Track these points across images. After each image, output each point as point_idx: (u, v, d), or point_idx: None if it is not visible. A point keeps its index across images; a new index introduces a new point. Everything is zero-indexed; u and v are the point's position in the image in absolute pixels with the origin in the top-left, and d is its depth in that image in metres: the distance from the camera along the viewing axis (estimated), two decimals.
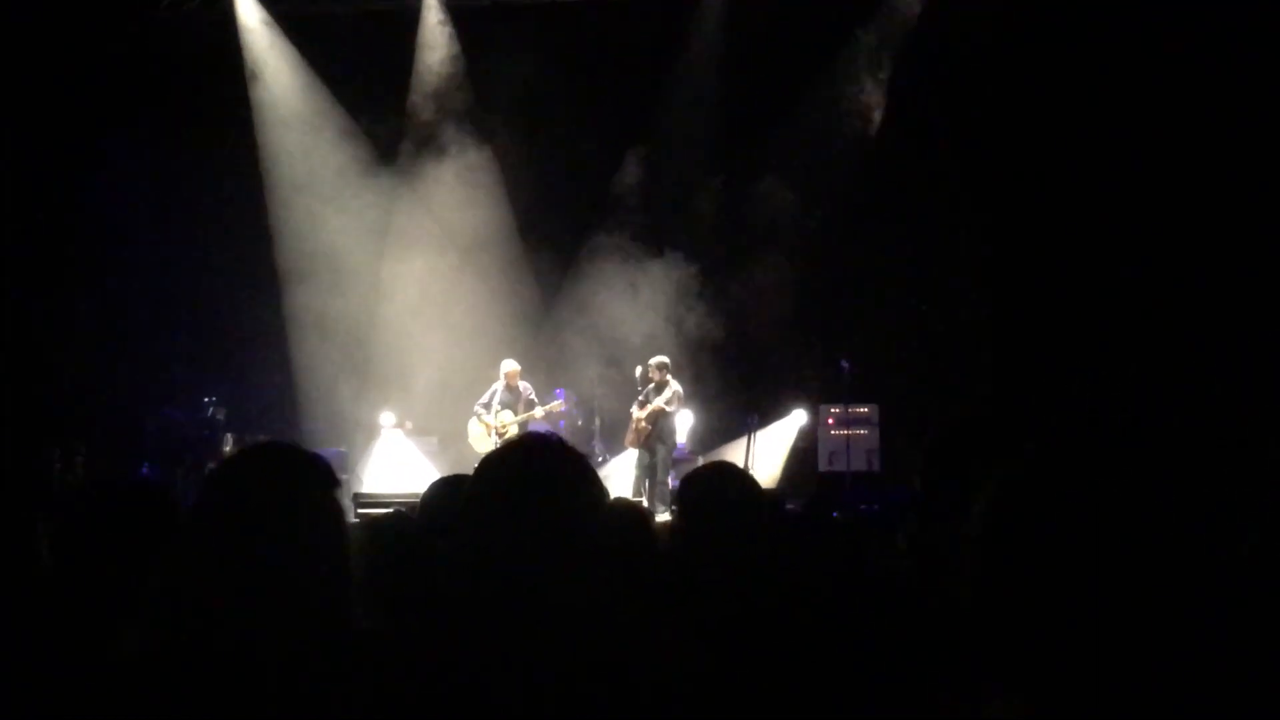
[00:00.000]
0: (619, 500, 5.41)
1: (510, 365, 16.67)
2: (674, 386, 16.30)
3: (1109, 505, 1.96)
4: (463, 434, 17.04)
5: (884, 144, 18.29)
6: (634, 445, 16.39)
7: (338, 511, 2.70)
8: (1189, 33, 15.82)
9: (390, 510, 5.04)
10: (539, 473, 2.70)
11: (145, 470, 17.24)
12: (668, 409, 16.23)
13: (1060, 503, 1.98)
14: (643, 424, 16.24)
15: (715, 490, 3.85)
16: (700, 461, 17.82)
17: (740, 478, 3.97)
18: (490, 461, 2.81)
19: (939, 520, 3.45)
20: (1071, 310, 16.86)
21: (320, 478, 2.72)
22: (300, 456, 2.75)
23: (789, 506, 12.94)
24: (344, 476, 17.09)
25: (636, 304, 18.00)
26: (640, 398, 16.45)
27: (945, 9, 17.73)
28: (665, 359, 16.48)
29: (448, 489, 4.56)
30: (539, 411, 16.54)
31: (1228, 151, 15.78)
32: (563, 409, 17.18)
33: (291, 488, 2.65)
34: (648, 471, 16.20)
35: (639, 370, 16.62)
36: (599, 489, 2.78)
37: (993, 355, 17.68)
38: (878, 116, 18.37)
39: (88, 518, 3.48)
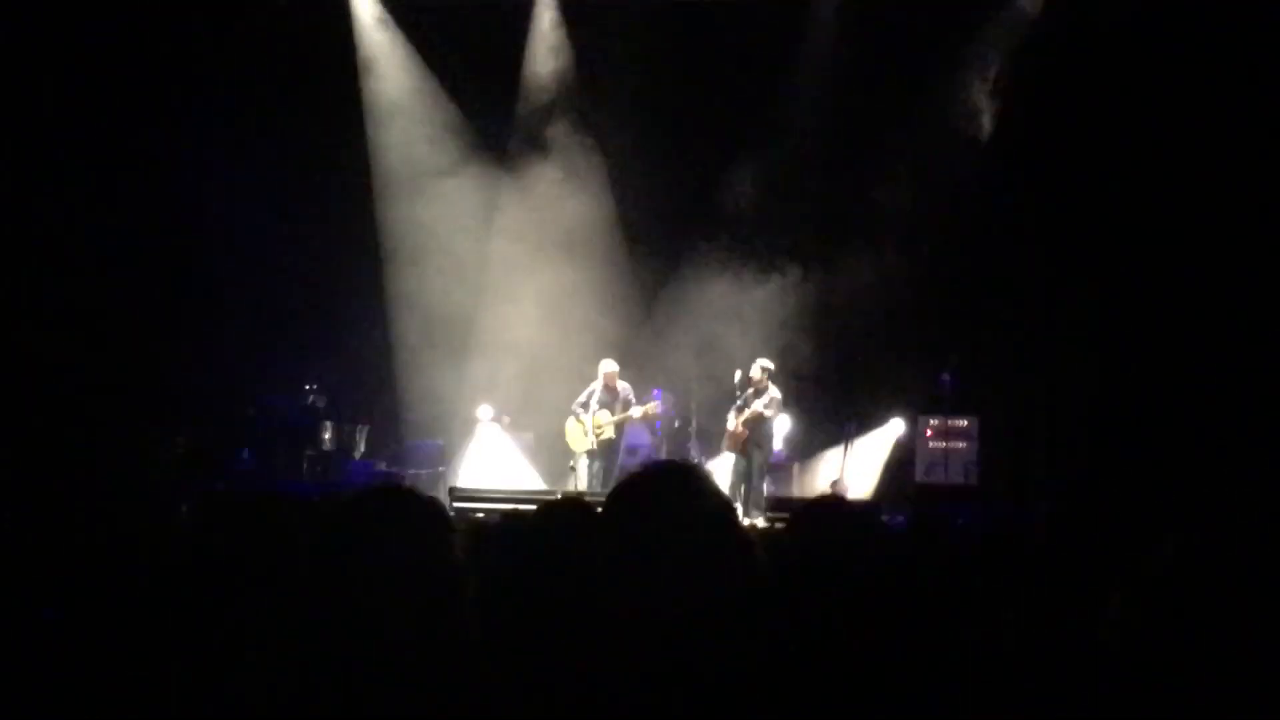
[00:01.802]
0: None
1: (609, 365, 16.66)
2: (773, 392, 16.23)
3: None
4: (559, 431, 17.05)
5: (998, 149, 18.08)
6: (731, 450, 16.33)
7: (451, 562, 2.70)
8: None
9: (493, 516, 5.03)
10: (675, 514, 2.70)
11: (245, 455, 17.42)
12: (766, 414, 16.15)
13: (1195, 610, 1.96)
14: (740, 428, 16.18)
15: (832, 527, 3.82)
16: (796, 469, 17.84)
17: (856, 516, 3.93)
18: (621, 496, 2.81)
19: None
20: (1196, 334, 16.41)
21: (435, 526, 2.72)
22: (417, 503, 2.75)
23: (884, 518, 12.94)
24: (440, 469, 17.31)
25: (736, 307, 17.95)
26: (738, 402, 16.39)
27: (1067, 9, 17.52)
28: (769, 363, 16.39)
29: (570, 513, 4.53)
30: (636, 412, 16.52)
31: None
32: (660, 410, 17.13)
33: (405, 535, 2.65)
34: (743, 477, 16.12)
35: (737, 375, 16.54)
36: (729, 511, 2.79)
37: (1098, 373, 17.44)
38: (991, 120, 18.16)
39: (198, 537, 3.48)
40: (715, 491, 2.83)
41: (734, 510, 2.87)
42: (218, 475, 16.34)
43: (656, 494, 2.77)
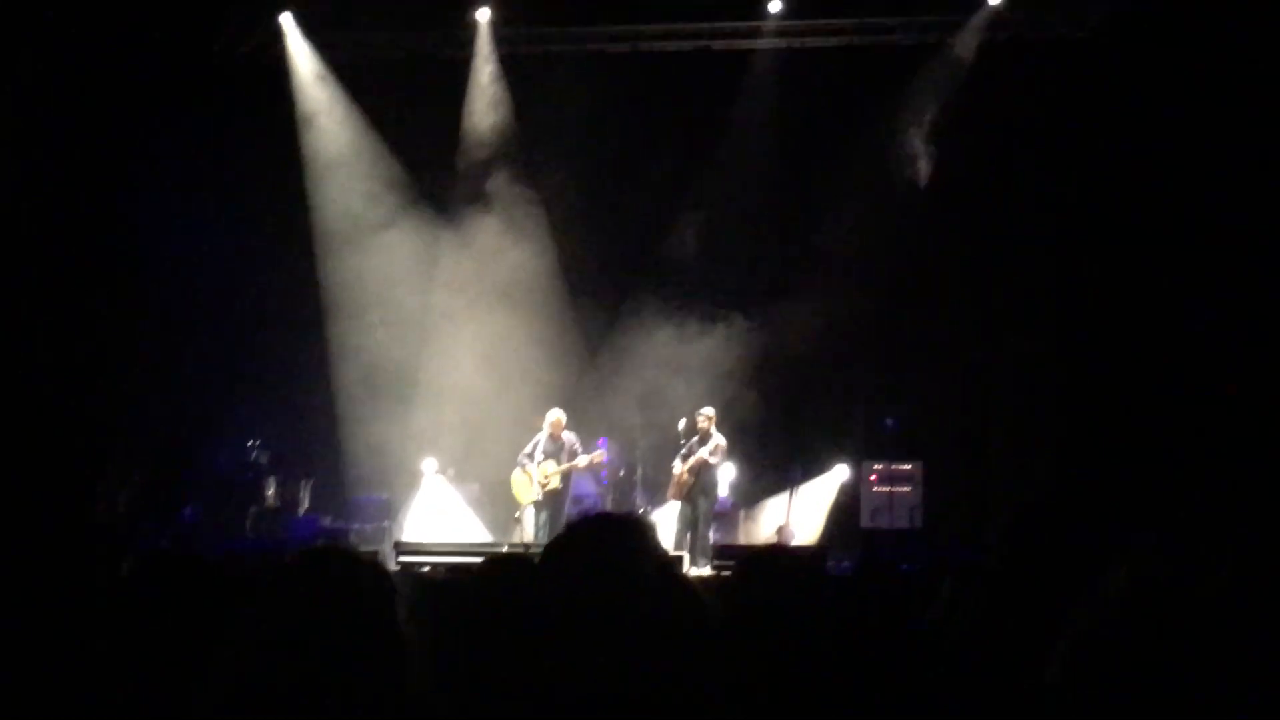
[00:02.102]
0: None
1: (556, 415, 16.64)
2: (718, 438, 16.27)
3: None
4: (504, 482, 17.01)
5: (936, 193, 18.22)
6: (676, 498, 16.32)
7: (393, 626, 2.69)
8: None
9: (438, 571, 5.02)
10: (609, 566, 2.70)
11: (187, 512, 17.30)
12: (711, 460, 16.18)
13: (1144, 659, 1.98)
14: (686, 476, 16.19)
15: (778, 576, 3.83)
16: (742, 515, 17.85)
17: (801, 565, 3.95)
18: (559, 548, 2.81)
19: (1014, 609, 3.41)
20: (1135, 371, 16.58)
21: (377, 591, 2.71)
22: (358, 566, 2.74)
23: (830, 563, 12.98)
24: (385, 523, 17.22)
25: (680, 356, 17.96)
26: (683, 450, 16.41)
27: (999, 58, 17.73)
28: (712, 410, 16.45)
29: (514, 567, 4.52)
30: (582, 462, 16.51)
31: None
32: (605, 460, 17.13)
33: (347, 600, 2.64)
34: (689, 525, 16.12)
35: (682, 423, 16.57)
36: (671, 566, 2.79)
37: (1043, 419, 17.59)
38: (929, 165, 18.31)
39: (138, 596, 3.44)
40: (655, 542, 2.83)
41: (673, 561, 2.87)
42: (161, 532, 16.21)
43: (594, 546, 2.77)
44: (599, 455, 16.79)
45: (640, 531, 2.83)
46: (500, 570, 4.43)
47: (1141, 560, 2.13)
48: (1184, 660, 2.01)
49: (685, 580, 2.94)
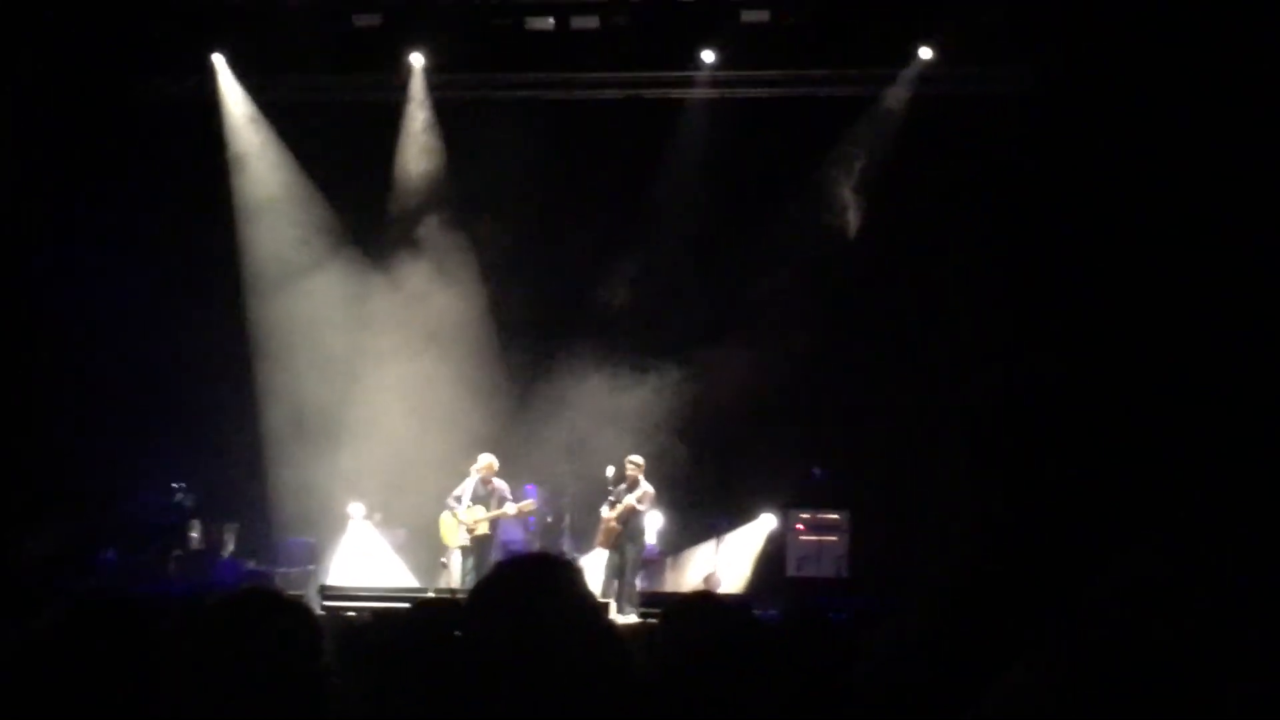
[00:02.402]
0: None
1: (487, 460, 16.54)
2: (645, 486, 16.26)
3: None
4: (431, 527, 16.89)
5: (865, 247, 18.37)
6: (604, 545, 16.27)
7: (316, 669, 2.67)
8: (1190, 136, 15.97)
9: (363, 617, 4.99)
10: (537, 605, 2.70)
11: (110, 556, 17.10)
12: (639, 507, 16.17)
13: None
14: (613, 524, 16.16)
15: (704, 628, 3.83)
16: (669, 563, 17.83)
17: (729, 613, 3.95)
18: (486, 589, 2.80)
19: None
20: (1057, 431, 16.78)
21: (301, 633, 2.69)
22: (281, 609, 2.72)
23: (756, 612, 12.98)
24: (311, 567, 17.08)
25: (610, 404, 17.96)
26: (610, 498, 16.39)
27: (929, 112, 17.92)
28: (640, 459, 16.44)
29: (437, 613, 4.50)
30: (511, 509, 16.42)
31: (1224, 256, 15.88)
32: (534, 507, 17.08)
33: (271, 643, 2.62)
34: (616, 572, 16.07)
35: (610, 470, 16.56)
36: (595, 612, 2.80)
37: (968, 465, 17.71)
38: (858, 218, 18.44)
39: (57, 641, 3.39)
40: (580, 584, 2.83)
41: (599, 604, 2.87)
42: (81, 575, 16.02)
43: (522, 585, 2.77)
44: (529, 504, 16.74)
45: (567, 572, 2.83)
46: (427, 615, 4.42)
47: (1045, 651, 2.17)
48: None
49: (610, 624, 2.94)
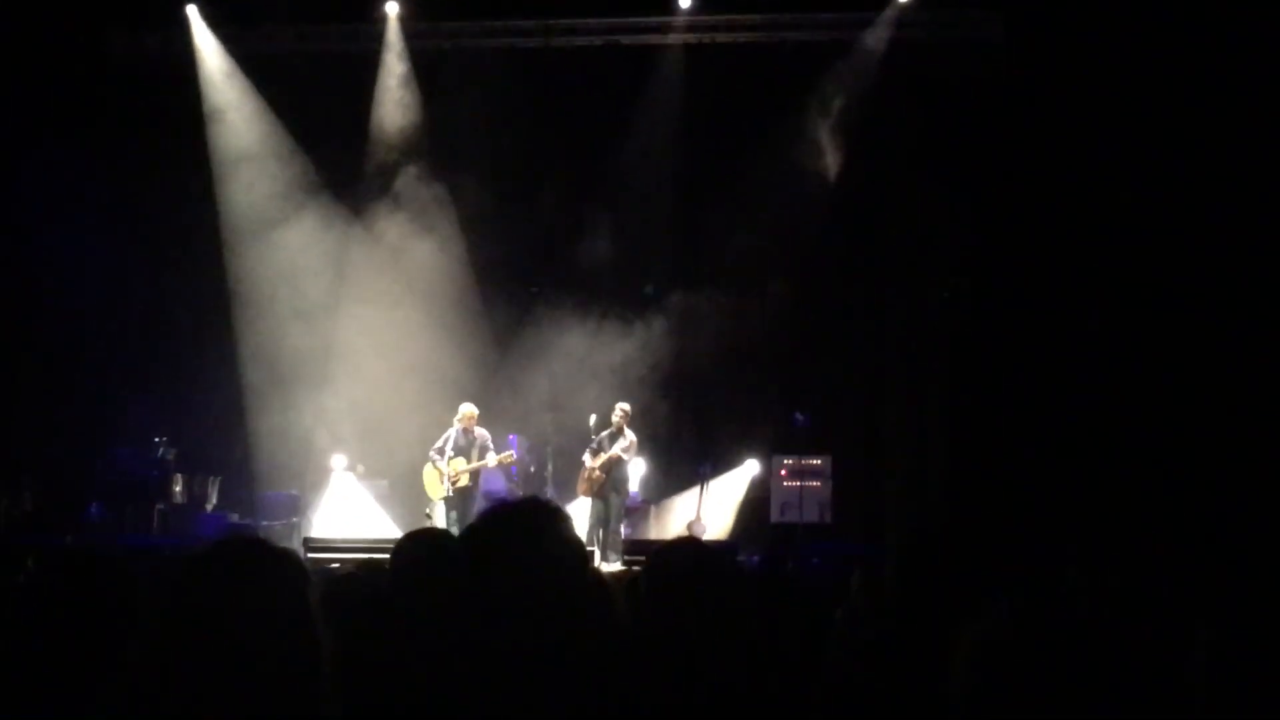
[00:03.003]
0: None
1: (468, 409, 16.49)
2: (629, 435, 16.28)
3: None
4: (415, 478, 16.90)
5: (847, 187, 18.37)
6: (587, 494, 16.29)
7: (306, 614, 2.66)
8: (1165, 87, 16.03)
9: (347, 568, 4.98)
10: (528, 549, 2.70)
11: (94, 510, 17.09)
12: (624, 457, 16.19)
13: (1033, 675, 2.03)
14: (597, 473, 16.18)
15: (689, 570, 3.84)
16: (652, 511, 17.87)
17: (713, 558, 3.96)
18: (478, 531, 2.81)
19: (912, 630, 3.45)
20: (1037, 375, 16.85)
21: (290, 578, 2.68)
22: (270, 555, 2.72)
23: (740, 559, 13.02)
24: (294, 520, 17.08)
25: (591, 351, 17.97)
26: (593, 445, 16.41)
27: (907, 56, 17.91)
28: (627, 406, 16.45)
29: (417, 547, 4.49)
30: (491, 461, 16.39)
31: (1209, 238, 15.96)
32: (515, 458, 17.05)
33: (261, 589, 2.61)
34: (601, 521, 16.09)
35: (593, 418, 16.58)
36: (583, 559, 2.81)
37: (948, 413, 17.80)
38: (838, 163, 18.43)
39: (41, 594, 3.38)
40: (568, 531, 2.84)
41: (585, 550, 2.88)
42: (66, 530, 16.02)
43: (510, 533, 2.77)
44: (509, 455, 16.69)
45: (556, 519, 2.83)
46: (410, 553, 4.41)
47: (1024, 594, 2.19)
48: (1074, 682, 2.07)
49: (596, 571, 2.95)
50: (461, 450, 16.33)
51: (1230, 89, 15.59)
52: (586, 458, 16.40)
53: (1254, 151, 15.58)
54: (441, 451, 16.36)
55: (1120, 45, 16.11)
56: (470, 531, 2.84)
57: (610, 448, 16.21)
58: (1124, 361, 16.21)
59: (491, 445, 16.47)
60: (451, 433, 16.40)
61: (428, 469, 16.55)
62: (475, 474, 16.39)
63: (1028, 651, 2.09)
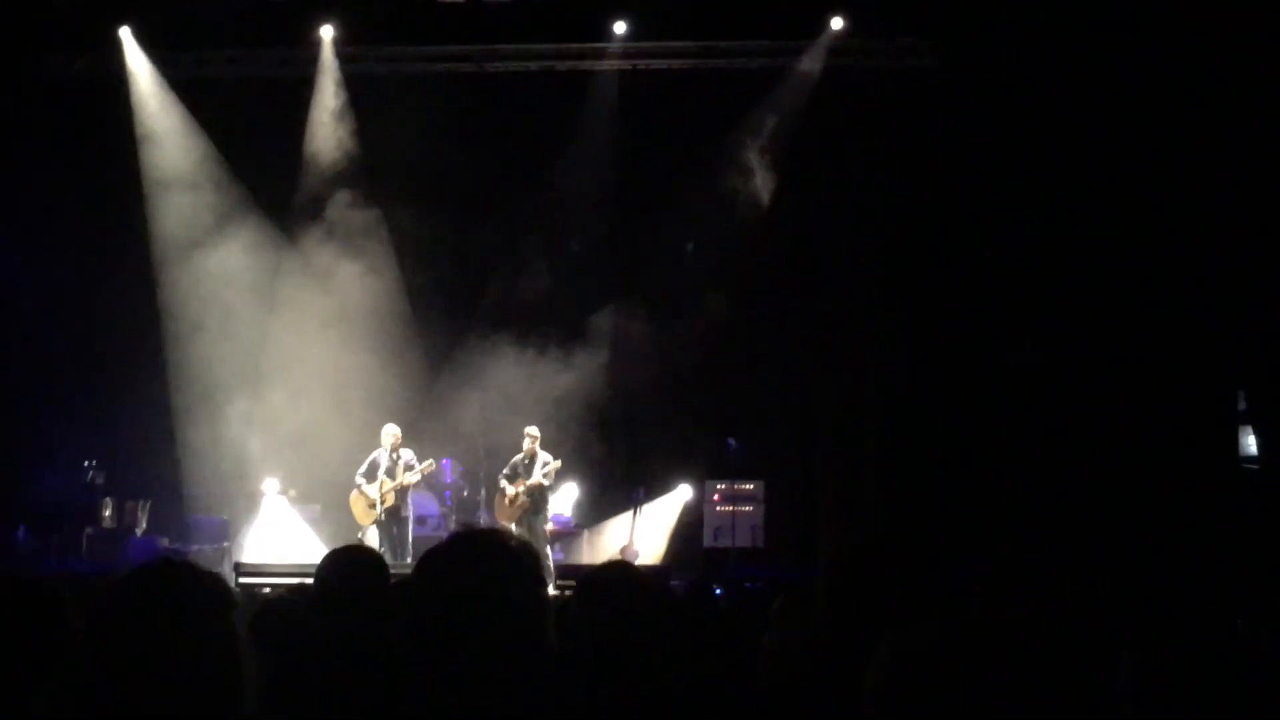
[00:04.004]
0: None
1: (392, 430, 16.41)
2: (547, 457, 16.21)
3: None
4: (345, 501, 16.79)
5: (775, 218, 18.46)
6: (509, 520, 16.13)
7: (231, 638, 2.66)
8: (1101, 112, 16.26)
9: (278, 592, 4.98)
10: (485, 576, 2.71)
11: (21, 535, 16.92)
12: (545, 483, 16.14)
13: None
14: (522, 498, 16.13)
15: (620, 596, 3.86)
16: (585, 536, 17.87)
17: (644, 583, 3.98)
18: (432, 560, 2.80)
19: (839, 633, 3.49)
20: (969, 396, 17.06)
21: (215, 601, 2.69)
22: (195, 578, 2.72)
23: (674, 583, 13.05)
24: (225, 544, 16.94)
25: (524, 375, 17.95)
26: (506, 471, 16.35)
27: (838, 84, 18.07)
28: (535, 430, 16.39)
29: (344, 566, 4.49)
30: (413, 477, 16.28)
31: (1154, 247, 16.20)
32: (433, 469, 16.90)
33: (185, 612, 2.61)
34: None
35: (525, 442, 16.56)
36: (542, 589, 2.81)
37: (880, 437, 17.96)
38: (771, 188, 18.53)
39: None
40: (536, 568, 2.83)
41: (545, 586, 2.88)
42: None
43: (472, 563, 2.77)
44: (429, 465, 16.57)
45: (529, 558, 2.82)
46: (336, 569, 4.40)
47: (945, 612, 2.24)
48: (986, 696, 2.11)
49: (548, 603, 2.95)
50: (389, 473, 16.25)
51: (1165, 112, 15.83)
52: (504, 484, 16.34)
53: (1193, 170, 15.83)
54: (367, 476, 16.28)
55: (1053, 72, 16.33)
56: (429, 556, 2.82)
57: (529, 474, 16.15)
58: (1057, 386, 16.43)
59: (415, 463, 16.39)
60: (376, 454, 16.32)
61: (354, 495, 16.44)
62: (403, 492, 16.30)
63: (942, 664, 2.13)
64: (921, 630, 2.20)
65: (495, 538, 2.86)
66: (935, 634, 2.19)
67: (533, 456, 16.23)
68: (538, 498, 16.16)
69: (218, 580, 2.74)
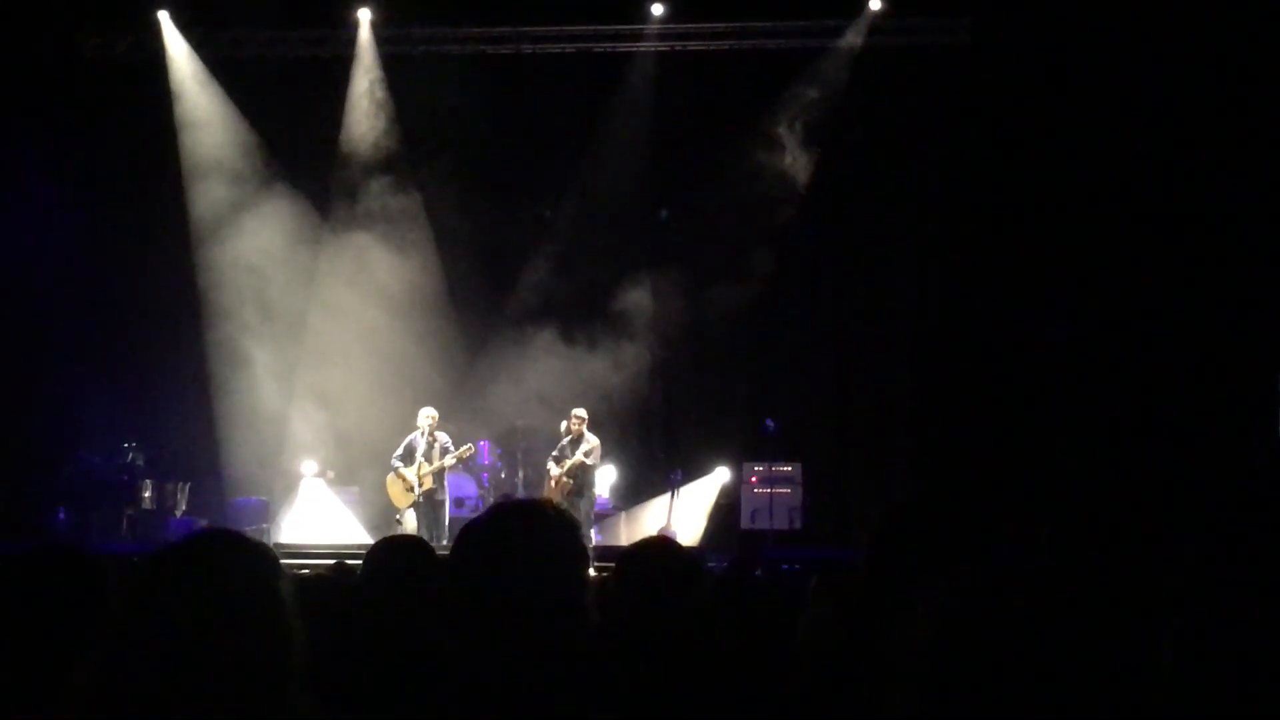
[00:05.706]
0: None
1: (428, 413, 16.45)
2: (592, 439, 16.27)
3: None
4: (384, 484, 16.84)
5: (815, 195, 18.42)
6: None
7: (281, 607, 2.65)
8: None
9: (317, 571, 4.98)
10: (526, 547, 2.70)
11: (61, 515, 17.01)
12: (588, 461, 16.18)
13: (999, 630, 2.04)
14: (564, 479, 16.17)
15: (659, 569, 3.86)
16: (623, 518, 17.87)
17: (682, 558, 3.97)
18: (473, 531, 2.80)
19: (882, 598, 3.46)
20: (1003, 377, 17.04)
21: (265, 571, 2.68)
22: (245, 547, 2.71)
23: (710, 565, 13.03)
24: (264, 526, 17.01)
25: (563, 358, 17.95)
26: (555, 453, 16.41)
27: (876, 63, 18.03)
28: (583, 411, 16.44)
29: (392, 552, 4.49)
30: (450, 460, 16.33)
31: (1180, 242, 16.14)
32: (472, 452, 16.97)
33: (234, 581, 2.61)
34: None
35: (564, 425, 16.57)
36: (584, 559, 2.80)
37: (916, 418, 17.93)
38: (806, 174, 18.48)
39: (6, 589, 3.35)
40: (577, 538, 2.82)
41: (587, 559, 2.87)
42: (30, 536, 15.92)
43: (519, 530, 2.76)
44: (467, 450, 16.63)
45: (570, 529, 2.81)
46: (388, 556, 4.41)
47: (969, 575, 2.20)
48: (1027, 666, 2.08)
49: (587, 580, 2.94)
50: (426, 456, 16.30)
51: (1200, 92, 15.76)
52: (551, 466, 16.39)
53: (1223, 153, 15.76)
54: (404, 459, 16.33)
55: (1087, 51, 16.27)
56: (470, 527, 2.82)
57: (573, 454, 16.20)
58: (1092, 357, 16.41)
59: (452, 447, 16.44)
60: (412, 437, 16.37)
61: (390, 478, 16.50)
62: (439, 476, 16.35)
63: (987, 616, 2.11)
64: (973, 575, 2.17)
65: (535, 507, 2.85)
66: (990, 579, 2.16)
67: (579, 438, 16.26)
68: (580, 478, 16.18)
69: (267, 550, 2.73)
